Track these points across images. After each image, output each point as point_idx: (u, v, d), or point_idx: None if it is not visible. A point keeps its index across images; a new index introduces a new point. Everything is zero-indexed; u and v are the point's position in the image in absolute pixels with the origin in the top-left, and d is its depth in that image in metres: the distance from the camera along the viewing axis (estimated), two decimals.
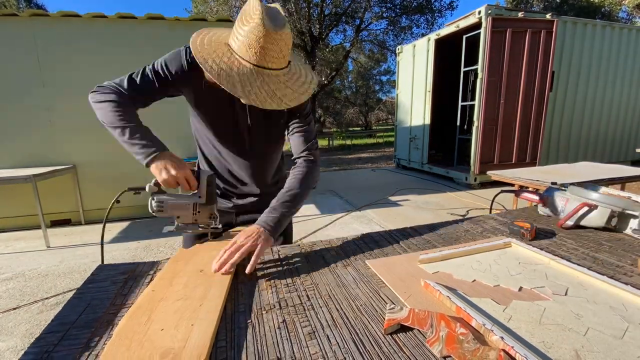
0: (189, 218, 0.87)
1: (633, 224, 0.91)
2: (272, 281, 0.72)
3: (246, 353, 0.49)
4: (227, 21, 4.03)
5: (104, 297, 0.67)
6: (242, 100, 0.78)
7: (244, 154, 1.06)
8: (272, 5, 0.82)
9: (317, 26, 13.08)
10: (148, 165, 0.85)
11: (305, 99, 0.88)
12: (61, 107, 3.79)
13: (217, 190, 1.10)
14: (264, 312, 0.60)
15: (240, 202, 1.13)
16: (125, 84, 0.91)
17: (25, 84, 3.66)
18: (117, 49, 3.82)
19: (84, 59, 3.75)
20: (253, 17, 0.75)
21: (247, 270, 0.73)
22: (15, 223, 3.84)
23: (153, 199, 0.84)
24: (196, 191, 0.86)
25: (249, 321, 0.58)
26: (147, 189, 0.86)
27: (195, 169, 0.96)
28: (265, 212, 0.88)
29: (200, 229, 0.89)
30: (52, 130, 3.81)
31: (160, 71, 0.92)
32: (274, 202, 0.90)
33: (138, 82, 0.91)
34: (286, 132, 1.07)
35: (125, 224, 3.93)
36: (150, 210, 0.85)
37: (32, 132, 3.76)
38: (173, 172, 0.83)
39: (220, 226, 0.90)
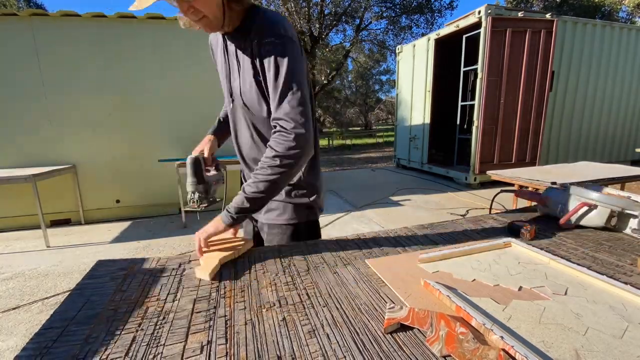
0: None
1: (633, 223, 0.92)
2: (272, 279, 0.72)
3: (246, 351, 0.50)
4: None
5: (102, 293, 0.67)
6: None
7: (235, 112, 1.02)
8: None
9: (317, 26, 13.08)
10: None
11: None
12: (61, 107, 3.79)
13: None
14: (264, 311, 0.60)
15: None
16: None
17: (25, 84, 3.66)
18: (117, 49, 3.82)
19: (83, 59, 3.75)
20: None
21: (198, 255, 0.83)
22: (15, 223, 3.84)
23: None
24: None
25: (248, 319, 0.58)
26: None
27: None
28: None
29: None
30: (52, 130, 3.81)
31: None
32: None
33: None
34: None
35: (126, 224, 3.93)
36: None
37: (32, 132, 3.76)
38: None
39: (195, 206, 0.99)
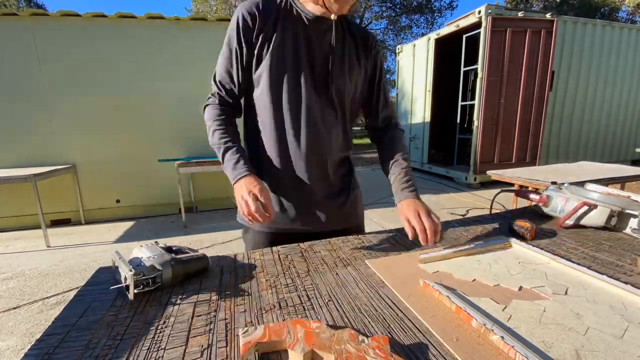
0: None
1: (633, 223, 0.91)
2: (273, 282, 0.72)
3: None
4: (228, 20, 4.03)
5: (104, 299, 0.66)
6: None
7: (324, 92, 0.91)
8: None
9: None
10: (234, 185, 0.86)
11: None
12: (61, 107, 3.79)
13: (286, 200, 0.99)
14: (264, 313, 0.60)
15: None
16: (213, 89, 0.95)
17: (25, 84, 3.66)
18: (117, 49, 3.82)
19: (83, 59, 3.75)
20: None
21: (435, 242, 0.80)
22: (15, 223, 3.84)
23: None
24: None
25: (249, 322, 0.58)
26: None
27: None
28: (402, 187, 0.90)
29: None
30: (52, 130, 3.81)
31: (230, 42, 0.88)
32: (396, 172, 0.94)
33: (219, 78, 0.93)
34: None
35: (129, 224, 3.93)
36: None
37: (32, 132, 3.76)
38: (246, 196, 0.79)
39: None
